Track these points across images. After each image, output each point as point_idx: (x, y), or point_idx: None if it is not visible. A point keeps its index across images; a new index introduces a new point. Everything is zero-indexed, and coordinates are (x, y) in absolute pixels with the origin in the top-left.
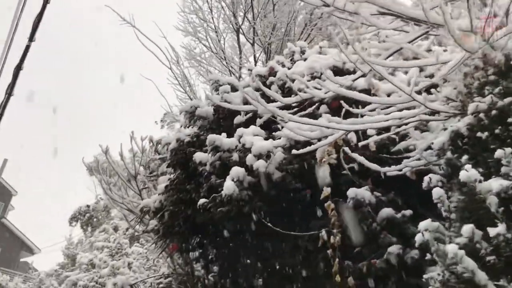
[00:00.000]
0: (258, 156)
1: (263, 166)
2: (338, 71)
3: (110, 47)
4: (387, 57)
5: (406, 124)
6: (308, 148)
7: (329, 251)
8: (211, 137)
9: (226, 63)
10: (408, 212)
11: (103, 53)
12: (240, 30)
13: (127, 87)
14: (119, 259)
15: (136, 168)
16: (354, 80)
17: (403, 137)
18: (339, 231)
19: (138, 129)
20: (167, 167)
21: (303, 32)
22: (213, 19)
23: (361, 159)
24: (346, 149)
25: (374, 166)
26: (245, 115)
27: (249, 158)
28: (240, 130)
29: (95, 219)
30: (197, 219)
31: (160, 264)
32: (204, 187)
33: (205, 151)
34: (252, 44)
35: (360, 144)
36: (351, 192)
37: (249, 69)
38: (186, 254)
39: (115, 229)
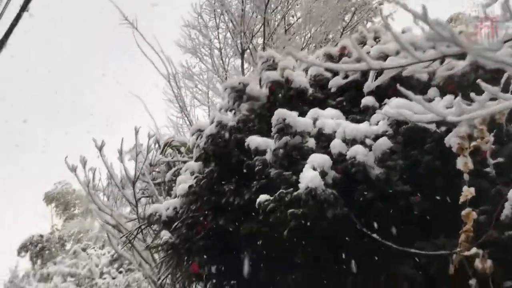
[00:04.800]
0: (351, 143)
1: (363, 154)
2: None
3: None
4: None
5: None
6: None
7: (472, 282)
8: (280, 112)
9: None
10: None
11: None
12: (246, 53)
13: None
14: None
15: (136, 172)
16: None
17: None
18: (487, 252)
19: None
20: (195, 160)
21: None
22: (218, 37)
23: None
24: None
25: None
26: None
27: (336, 144)
28: (314, 111)
29: (47, 251)
30: (243, 229)
31: None
32: (254, 185)
33: None
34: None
35: None
36: None
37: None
38: (208, 282)
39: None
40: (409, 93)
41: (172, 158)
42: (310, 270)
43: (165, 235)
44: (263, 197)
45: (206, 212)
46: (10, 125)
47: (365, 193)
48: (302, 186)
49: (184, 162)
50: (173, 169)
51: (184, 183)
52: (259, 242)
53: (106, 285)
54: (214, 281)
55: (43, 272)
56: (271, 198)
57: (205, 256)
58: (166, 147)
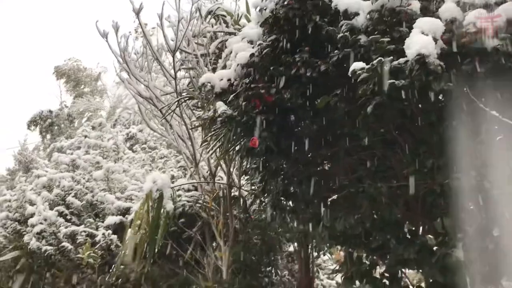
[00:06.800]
0: (469, 7)
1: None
2: None
3: None
4: None
5: None
6: None
7: None
8: None
9: None
10: None
11: None
12: None
13: None
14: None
15: (177, 41)
16: None
17: None
18: None
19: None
20: (260, 25)
21: None
22: None
23: None
24: None
25: None
26: None
27: (449, 8)
28: None
29: (56, 127)
30: (320, 102)
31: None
32: (335, 55)
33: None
34: None
35: None
36: None
37: None
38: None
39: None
40: None
41: (216, 28)
42: (378, 151)
43: (221, 106)
44: (358, 65)
45: (269, 85)
46: None
47: (477, 67)
48: (411, 52)
49: (230, 33)
50: (218, 41)
51: (241, 50)
52: (324, 120)
53: (131, 159)
54: (264, 158)
55: (56, 146)
56: (367, 66)
57: (263, 132)
58: (209, 16)
